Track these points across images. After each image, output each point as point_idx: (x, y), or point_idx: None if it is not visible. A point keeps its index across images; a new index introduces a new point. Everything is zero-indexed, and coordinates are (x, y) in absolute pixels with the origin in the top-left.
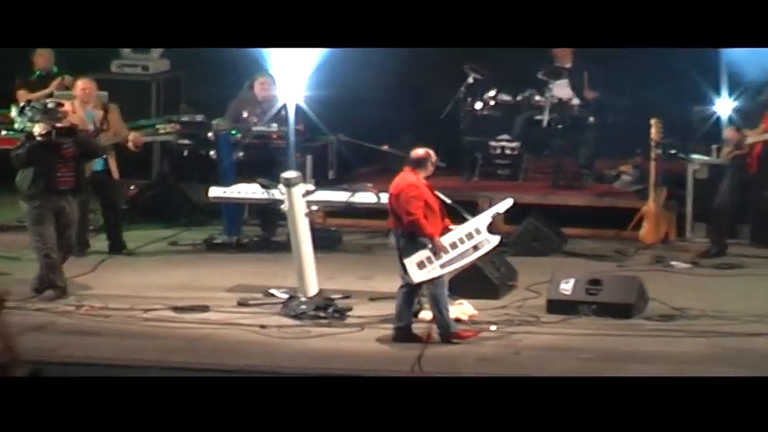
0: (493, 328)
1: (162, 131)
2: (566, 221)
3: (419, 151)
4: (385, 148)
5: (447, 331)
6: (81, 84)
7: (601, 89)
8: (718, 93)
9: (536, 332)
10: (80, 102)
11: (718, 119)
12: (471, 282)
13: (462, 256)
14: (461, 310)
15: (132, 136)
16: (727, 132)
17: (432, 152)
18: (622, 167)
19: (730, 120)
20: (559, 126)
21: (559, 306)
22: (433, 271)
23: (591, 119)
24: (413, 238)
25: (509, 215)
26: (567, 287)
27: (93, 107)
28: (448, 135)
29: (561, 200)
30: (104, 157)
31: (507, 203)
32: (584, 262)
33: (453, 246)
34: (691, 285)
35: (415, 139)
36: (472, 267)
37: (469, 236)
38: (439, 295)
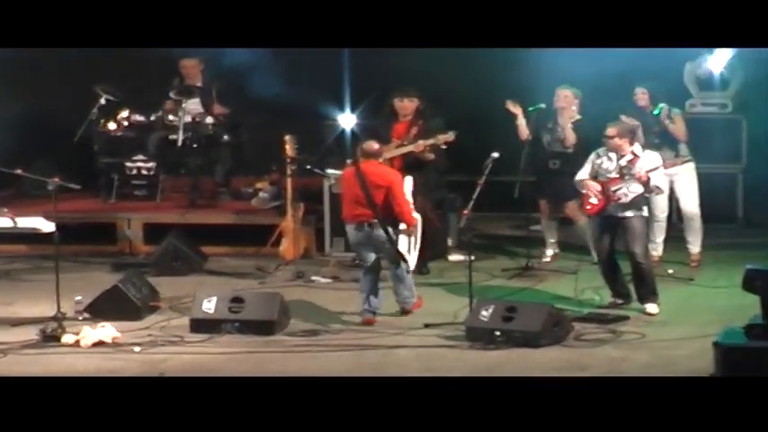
0: (137, 349)
1: None
2: (205, 240)
3: (374, 145)
4: (19, 171)
5: (411, 303)
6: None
7: (234, 106)
8: (342, 108)
9: (180, 352)
10: None
11: (351, 133)
12: (112, 303)
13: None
14: (104, 332)
15: None
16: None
17: None
18: (259, 184)
19: (342, 134)
20: (194, 145)
21: (203, 325)
22: (414, 254)
23: (225, 137)
24: (397, 226)
25: (148, 235)
26: (209, 306)
27: None
28: (83, 157)
29: (200, 218)
30: None
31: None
32: (225, 280)
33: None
34: (332, 300)
35: (50, 161)
36: (112, 289)
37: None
38: (404, 276)
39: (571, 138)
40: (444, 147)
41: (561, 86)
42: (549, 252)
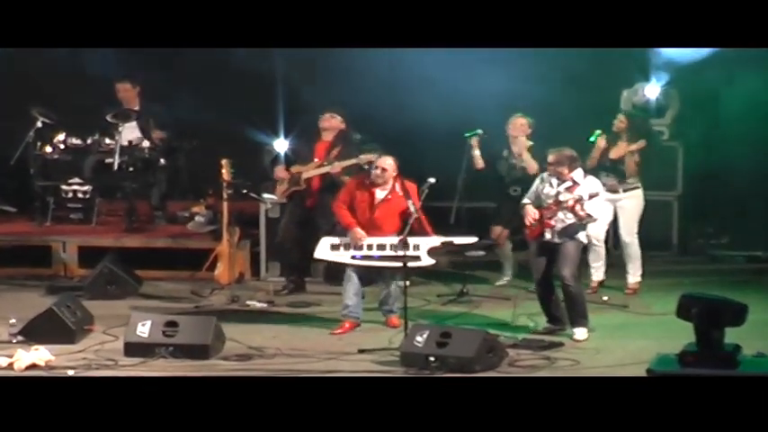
0: (71, 372)
1: None
2: (141, 264)
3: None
4: None
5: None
6: None
7: (170, 130)
8: (276, 133)
9: (114, 376)
10: None
11: (285, 157)
12: (46, 326)
13: (382, 258)
14: (38, 356)
15: None
16: (277, 171)
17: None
18: (195, 208)
19: (278, 159)
20: (131, 168)
21: (137, 349)
22: (340, 256)
23: (162, 161)
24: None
25: (83, 258)
26: (143, 329)
27: None
28: (18, 179)
29: (136, 242)
30: None
31: (471, 240)
32: (160, 304)
33: (381, 247)
34: (267, 324)
35: None
36: (46, 312)
37: (404, 247)
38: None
39: (534, 166)
40: (366, 167)
41: (516, 115)
42: (506, 277)
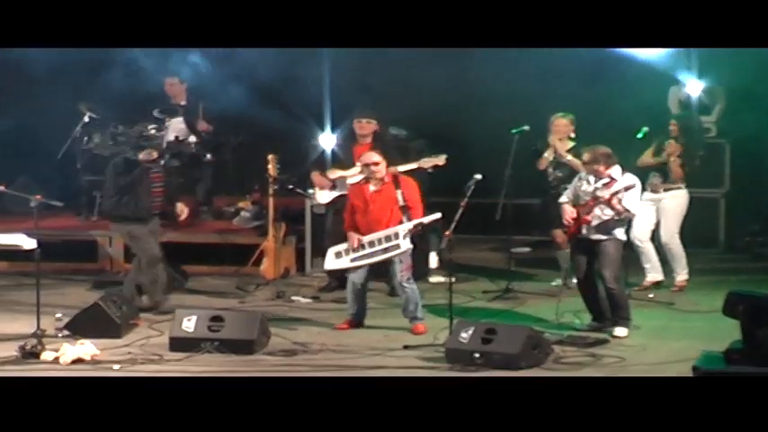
0: (116, 367)
1: None
2: (187, 258)
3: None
4: (1, 188)
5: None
6: None
7: (217, 125)
8: (322, 128)
9: (160, 370)
10: None
11: (332, 153)
12: (92, 321)
13: (372, 255)
14: (83, 350)
15: None
16: (315, 178)
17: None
18: (241, 204)
19: (324, 156)
20: (176, 163)
21: (182, 344)
22: (342, 262)
23: (208, 156)
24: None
25: (129, 253)
26: (189, 324)
27: None
28: (65, 174)
29: (181, 237)
30: None
31: (435, 216)
32: (205, 299)
33: (370, 244)
34: (312, 319)
35: (32, 179)
36: (93, 306)
37: (387, 238)
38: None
39: (579, 165)
40: (430, 171)
41: (557, 115)
42: (560, 280)
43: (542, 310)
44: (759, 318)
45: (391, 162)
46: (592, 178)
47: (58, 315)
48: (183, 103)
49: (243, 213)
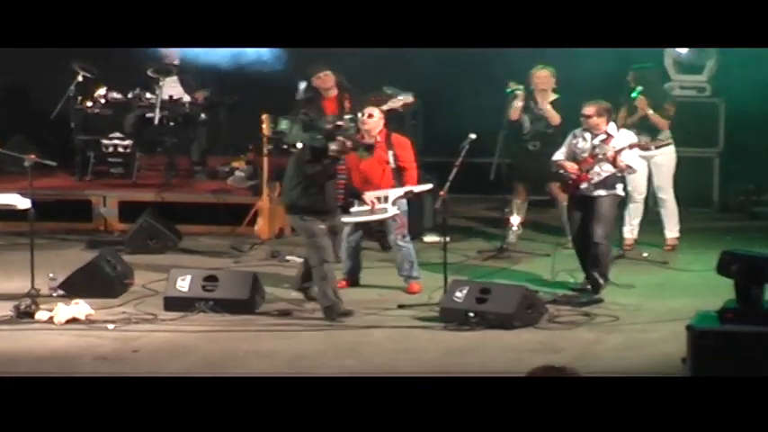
0: (111, 326)
1: None
2: (181, 218)
3: None
4: None
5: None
6: None
7: (211, 86)
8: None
9: (154, 330)
10: None
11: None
12: (87, 281)
13: (359, 213)
14: (78, 310)
15: None
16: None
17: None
18: (235, 163)
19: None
20: (171, 123)
21: (176, 303)
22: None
23: (202, 116)
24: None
25: (123, 213)
26: (183, 284)
27: None
28: (59, 134)
29: (176, 197)
30: None
31: (426, 187)
32: (200, 258)
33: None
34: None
35: (25, 138)
36: (87, 266)
37: (378, 199)
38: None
39: (556, 118)
40: (401, 110)
41: (538, 67)
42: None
43: (537, 269)
44: (753, 277)
45: (364, 104)
46: (588, 135)
47: (52, 275)
48: (177, 62)
49: (237, 173)
